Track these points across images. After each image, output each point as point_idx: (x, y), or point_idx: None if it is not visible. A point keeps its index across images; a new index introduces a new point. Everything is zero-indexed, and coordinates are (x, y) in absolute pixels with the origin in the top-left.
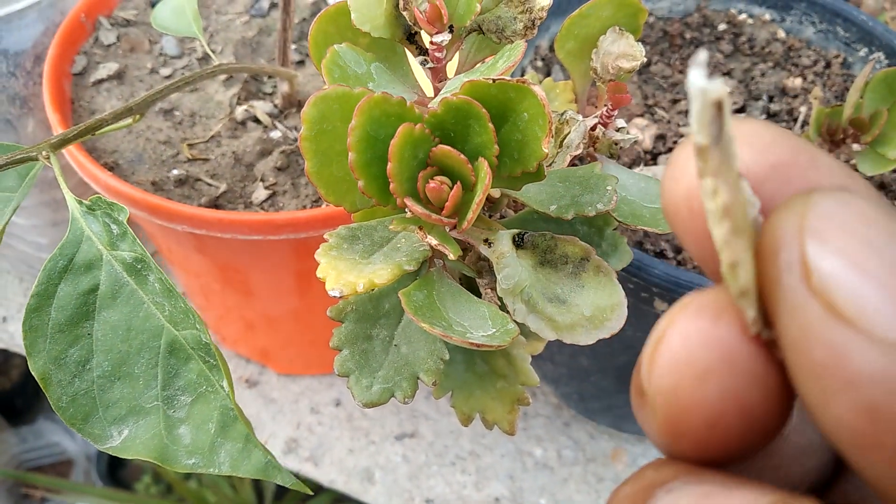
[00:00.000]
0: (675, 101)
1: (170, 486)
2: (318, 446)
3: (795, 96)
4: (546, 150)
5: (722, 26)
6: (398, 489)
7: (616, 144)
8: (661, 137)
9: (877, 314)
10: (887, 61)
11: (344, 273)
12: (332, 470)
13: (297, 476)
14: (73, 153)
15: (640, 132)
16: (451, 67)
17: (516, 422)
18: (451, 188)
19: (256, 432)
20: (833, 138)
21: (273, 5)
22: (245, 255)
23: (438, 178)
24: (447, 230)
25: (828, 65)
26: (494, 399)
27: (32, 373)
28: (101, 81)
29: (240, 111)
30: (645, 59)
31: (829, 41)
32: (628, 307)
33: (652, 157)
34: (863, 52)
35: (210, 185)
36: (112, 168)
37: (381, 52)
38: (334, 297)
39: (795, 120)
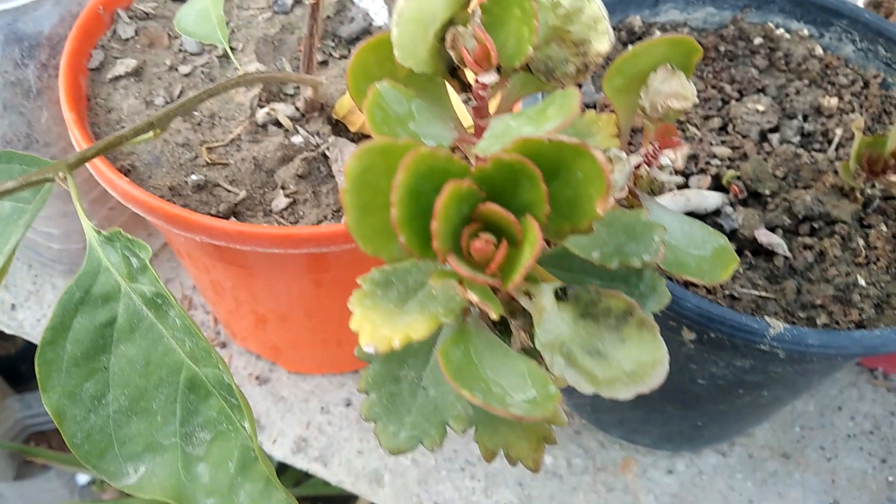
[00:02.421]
0: (706, 118)
1: None
2: (327, 446)
3: (830, 116)
4: (601, 213)
5: (758, 40)
6: (407, 493)
7: (657, 180)
8: (693, 157)
9: None
10: None
11: (379, 326)
12: (341, 471)
13: (306, 475)
14: None
15: (673, 152)
16: (493, 103)
17: (541, 460)
18: (497, 246)
19: (266, 430)
20: (873, 168)
21: (297, 2)
22: (261, 262)
23: (484, 235)
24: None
25: (866, 85)
26: (520, 437)
27: (46, 408)
28: (118, 78)
29: (261, 114)
30: (696, 100)
31: (868, 60)
32: None
33: (684, 178)
34: None
35: (229, 191)
36: (128, 171)
37: (420, 85)
38: (369, 353)
39: (830, 142)
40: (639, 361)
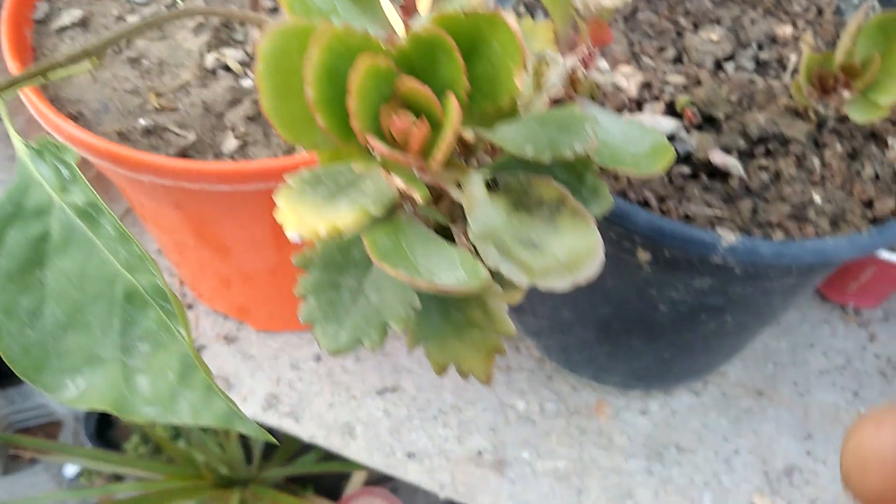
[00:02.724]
0: (661, 49)
1: (158, 447)
2: (298, 402)
3: (785, 44)
4: (519, 84)
5: None
6: (379, 443)
7: (598, 87)
8: (647, 85)
9: None
10: (881, 7)
11: (305, 217)
12: (313, 425)
13: (275, 432)
14: (34, 102)
15: (626, 80)
16: (425, 4)
17: (492, 371)
18: (418, 124)
19: (235, 389)
20: (824, 86)
21: None
22: (217, 208)
23: (403, 113)
24: (415, 172)
25: (820, 12)
26: (470, 349)
27: None
28: (64, 29)
29: (210, 59)
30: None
31: None
32: (610, 257)
33: (637, 106)
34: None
35: (178, 135)
36: (76, 118)
37: None
38: (295, 242)
39: (785, 68)
40: (573, 251)
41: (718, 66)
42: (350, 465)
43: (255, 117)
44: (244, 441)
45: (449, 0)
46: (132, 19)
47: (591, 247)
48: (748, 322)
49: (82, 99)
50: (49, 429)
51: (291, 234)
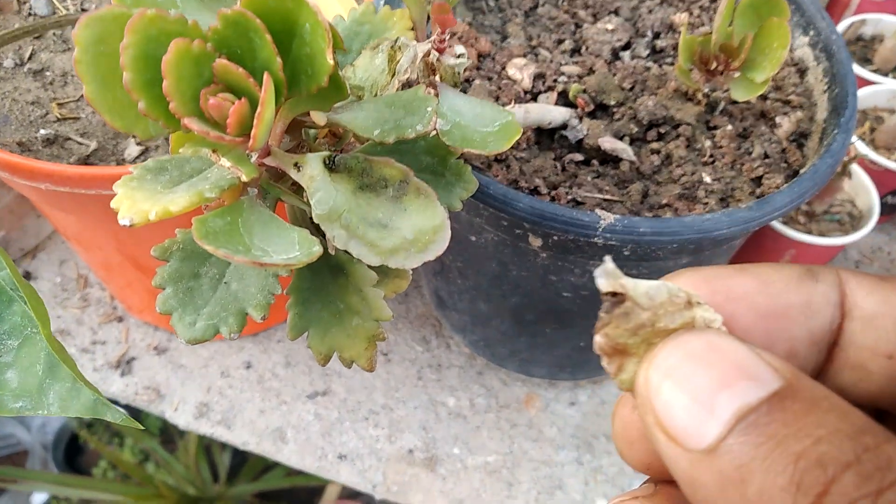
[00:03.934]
0: (559, 42)
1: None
2: (229, 409)
3: (682, 32)
4: (331, 62)
5: None
6: (311, 447)
7: (454, 71)
8: (539, 76)
9: (685, 431)
10: None
11: (139, 202)
12: (245, 432)
13: (210, 439)
14: None
15: (520, 72)
16: None
17: (374, 358)
18: (235, 104)
19: (167, 399)
20: (707, 67)
21: None
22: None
23: (221, 94)
24: (247, 154)
25: None
26: (351, 336)
27: None
28: None
29: None
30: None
31: None
32: (508, 245)
33: (533, 97)
34: None
35: (80, 143)
36: None
37: None
38: (125, 225)
39: None
40: (420, 229)
41: (615, 55)
42: (319, 480)
43: None
44: (210, 459)
45: None
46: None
47: (437, 224)
48: None
49: None
50: (16, 459)
51: (123, 219)
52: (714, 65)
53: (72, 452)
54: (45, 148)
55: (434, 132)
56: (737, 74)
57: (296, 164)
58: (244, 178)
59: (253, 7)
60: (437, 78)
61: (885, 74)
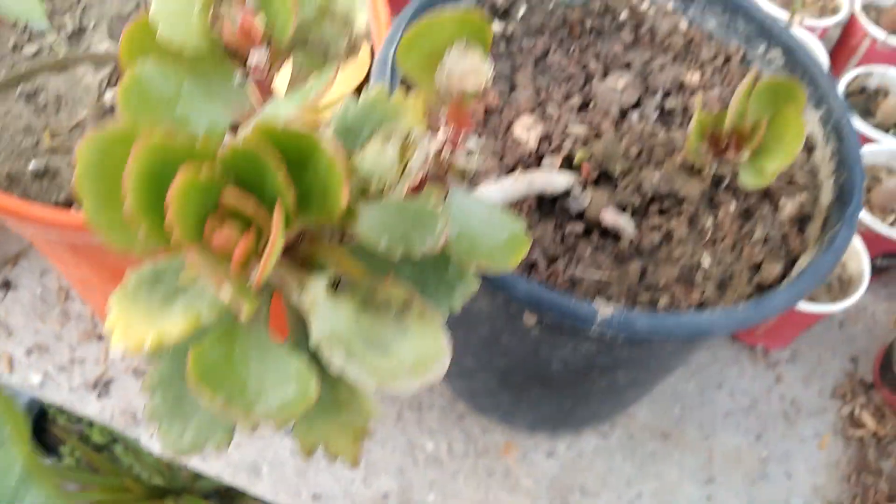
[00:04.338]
0: (567, 97)
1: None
2: None
3: (693, 92)
4: (345, 202)
5: (624, 14)
6: (285, 484)
7: (459, 167)
8: (546, 137)
9: None
10: (784, 59)
11: (133, 326)
12: (219, 463)
13: (185, 469)
14: None
15: (526, 132)
16: (285, 79)
17: (360, 454)
18: (243, 235)
19: (143, 425)
20: (717, 146)
21: None
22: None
23: (228, 225)
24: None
25: (727, 59)
26: (337, 430)
27: None
28: None
29: (109, 96)
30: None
31: (730, 34)
32: (501, 318)
33: (537, 159)
34: (761, 48)
35: (72, 178)
36: None
37: (196, 64)
38: (117, 354)
39: (690, 118)
40: (420, 354)
41: (623, 114)
42: None
43: None
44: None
45: (293, 93)
46: (29, 49)
47: (438, 350)
48: (641, 377)
49: None
50: None
51: (116, 349)
52: (725, 145)
53: (39, 430)
54: (35, 182)
55: None
56: (746, 156)
57: (299, 285)
58: (244, 313)
59: (265, 138)
60: (448, 172)
61: (887, 130)
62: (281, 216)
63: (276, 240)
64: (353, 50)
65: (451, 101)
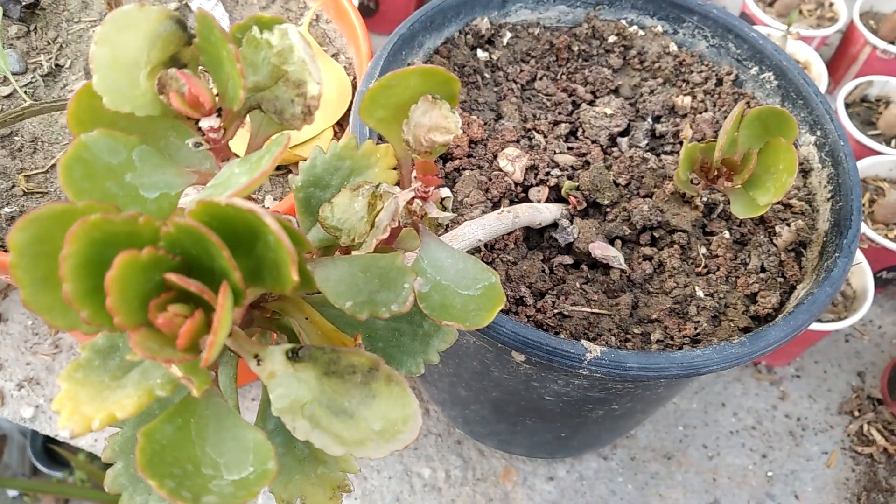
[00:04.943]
0: (555, 124)
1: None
2: None
3: (684, 115)
4: (295, 278)
5: (612, 38)
6: None
7: (431, 217)
8: (532, 168)
9: None
10: (776, 81)
11: (83, 404)
12: None
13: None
14: None
15: (511, 164)
16: (243, 140)
17: None
18: (188, 318)
19: None
20: (708, 176)
21: None
22: None
23: (173, 308)
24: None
25: (720, 82)
26: (315, 485)
27: None
28: None
29: None
30: (459, 133)
31: (721, 56)
32: (491, 354)
33: (524, 190)
34: (754, 70)
35: None
36: None
37: (149, 130)
38: (63, 435)
39: (681, 143)
40: (389, 419)
41: (613, 141)
42: None
43: None
44: None
45: (245, 160)
46: (3, 90)
47: (408, 414)
48: (639, 408)
49: None
50: None
51: (63, 429)
52: (715, 175)
53: (51, 439)
54: (9, 226)
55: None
56: (739, 185)
57: (256, 356)
58: (195, 392)
59: (207, 217)
60: (420, 221)
61: (888, 140)
62: (226, 299)
63: (222, 321)
64: (307, 117)
65: (420, 153)
